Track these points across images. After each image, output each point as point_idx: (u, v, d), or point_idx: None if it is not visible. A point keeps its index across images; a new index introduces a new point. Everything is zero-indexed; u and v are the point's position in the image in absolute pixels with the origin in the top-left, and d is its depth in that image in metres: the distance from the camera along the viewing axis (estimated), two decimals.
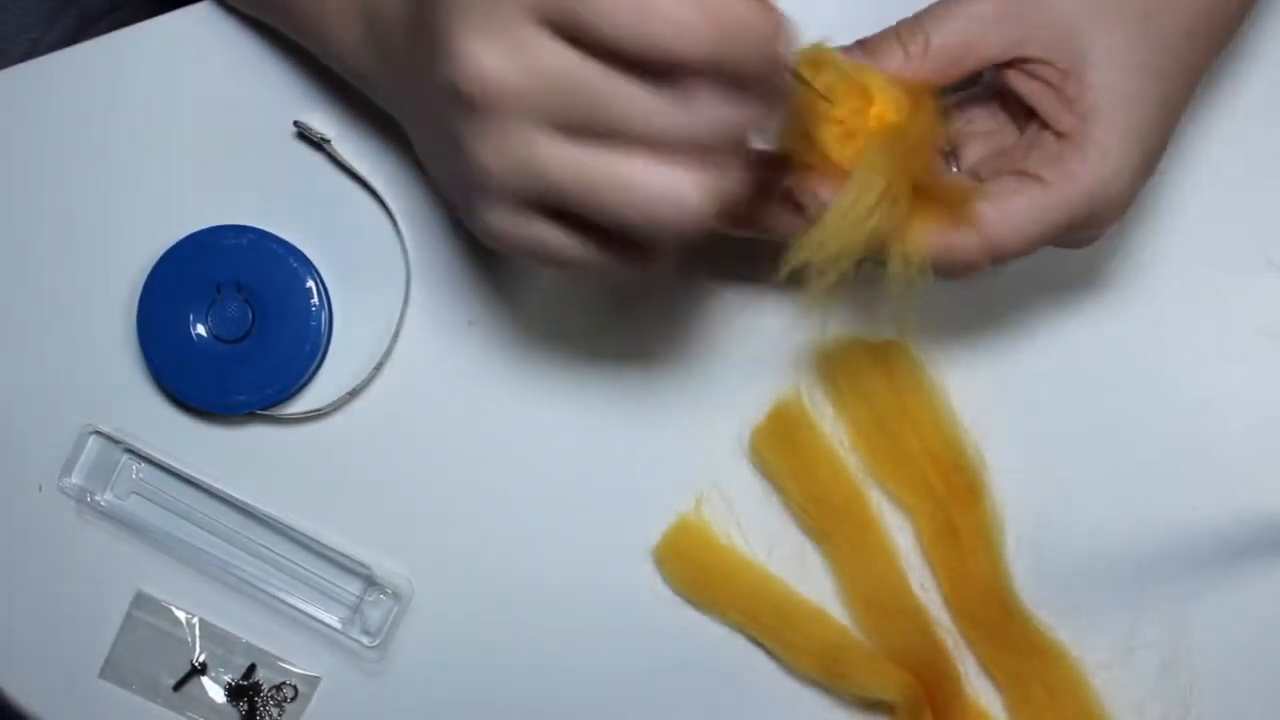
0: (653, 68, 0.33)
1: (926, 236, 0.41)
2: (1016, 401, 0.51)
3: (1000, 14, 0.41)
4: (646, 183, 0.34)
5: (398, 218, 0.52)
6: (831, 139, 0.41)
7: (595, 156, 0.34)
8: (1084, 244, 0.44)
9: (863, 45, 0.42)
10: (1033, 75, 0.42)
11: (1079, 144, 0.40)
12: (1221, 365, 0.51)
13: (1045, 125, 0.41)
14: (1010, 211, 0.40)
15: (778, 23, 0.35)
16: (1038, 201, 0.40)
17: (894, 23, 0.42)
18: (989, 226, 0.40)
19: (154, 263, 0.52)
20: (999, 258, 0.41)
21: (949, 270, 0.41)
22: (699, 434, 0.52)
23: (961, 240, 0.41)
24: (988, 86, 0.45)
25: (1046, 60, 0.41)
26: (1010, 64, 0.42)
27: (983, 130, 0.44)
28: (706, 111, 0.34)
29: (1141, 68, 0.40)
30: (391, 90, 0.44)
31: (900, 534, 0.52)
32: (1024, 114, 0.43)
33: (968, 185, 0.42)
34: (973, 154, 0.44)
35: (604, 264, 0.38)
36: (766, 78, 0.35)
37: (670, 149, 0.34)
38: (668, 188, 0.34)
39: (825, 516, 0.51)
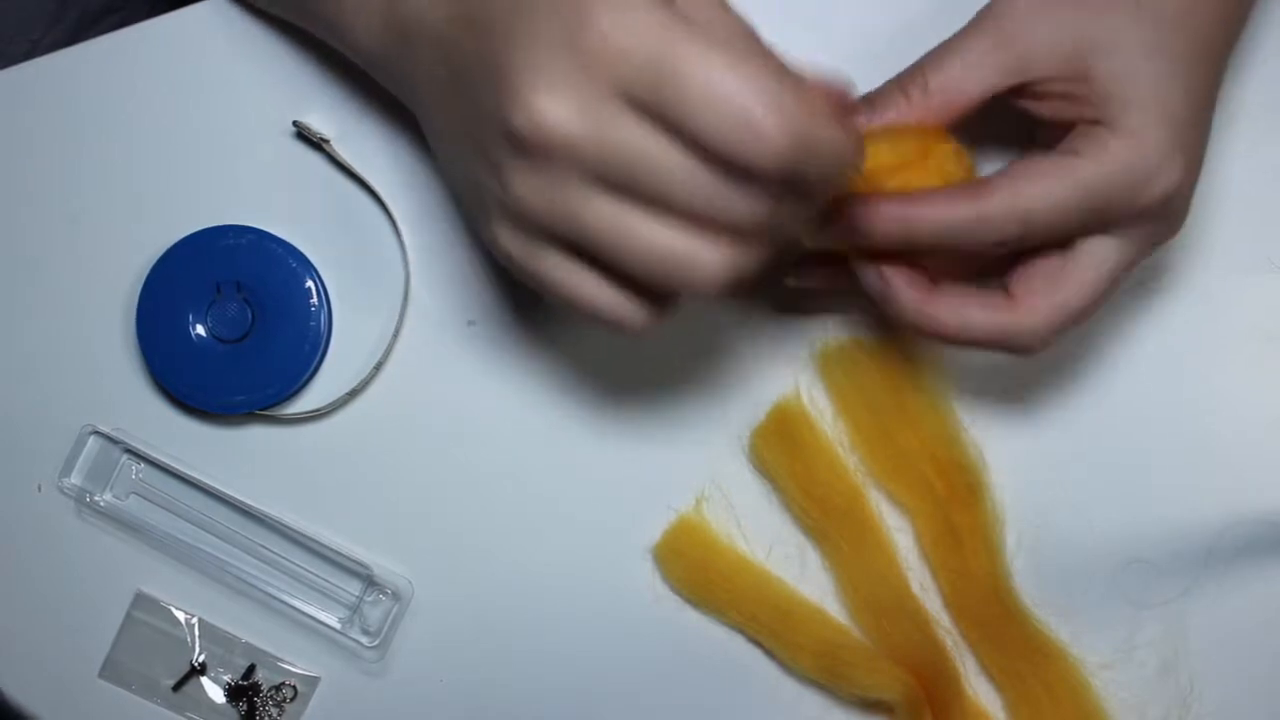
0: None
1: (952, 210, 0.41)
2: (1017, 401, 0.51)
3: (994, 44, 0.42)
4: (674, 246, 0.35)
5: (397, 218, 0.52)
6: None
7: (632, 214, 0.35)
8: (1156, 239, 0.44)
9: (867, 100, 0.43)
10: (1043, 95, 0.42)
11: (1109, 124, 0.41)
12: (1222, 366, 0.51)
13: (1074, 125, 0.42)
14: (1039, 176, 0.41)
15: (857, 146, 0.36)
16: (1069, 168, 0.41)
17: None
18: (1018, 188, 0.41)
19: (154, 263, 0.52)
20: (1029, 224, 0.41)
21: (980, 240, 0.41)
22: (699, 434, 0.52)
23: (991, 207, 0.41)
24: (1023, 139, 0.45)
25: (1052, 75, 0.41)
26: (1017, 93, 0.42)
27: None
28: (761, 205, 0.35)
29: (1144, 47, 0.41)
30: (407, 83, 0.44)
31: (900, 534, 0.52)
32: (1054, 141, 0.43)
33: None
34: None
35: (606, 304, 0.38)
36: (825, 189, 0.37)
37: (707, 218, 0.35)
38: (694, 254, 0.35)
39: (825, 516, 0.51)
